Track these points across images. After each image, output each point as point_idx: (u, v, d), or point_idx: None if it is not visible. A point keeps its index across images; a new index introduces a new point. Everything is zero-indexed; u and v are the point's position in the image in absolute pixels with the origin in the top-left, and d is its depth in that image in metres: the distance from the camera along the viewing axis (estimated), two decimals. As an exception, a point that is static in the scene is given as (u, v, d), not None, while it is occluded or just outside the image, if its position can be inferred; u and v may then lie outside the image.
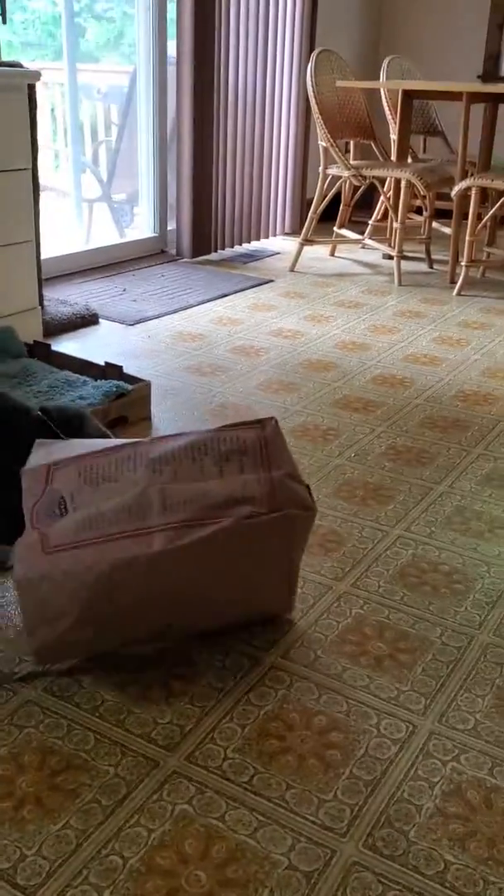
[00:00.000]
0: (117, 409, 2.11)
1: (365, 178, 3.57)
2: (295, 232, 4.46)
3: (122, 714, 1.17)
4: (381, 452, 1.99)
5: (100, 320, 2.99)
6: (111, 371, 2.27)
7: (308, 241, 3.77)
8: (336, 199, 3.95)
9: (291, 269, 3.79)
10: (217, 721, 1.17)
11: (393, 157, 3.91)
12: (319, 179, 3.70)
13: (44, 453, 1.32)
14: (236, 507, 1.20)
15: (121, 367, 2.26)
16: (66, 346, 2.70)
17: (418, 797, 1.06)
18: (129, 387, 2.15)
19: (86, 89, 4.17)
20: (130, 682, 1.23)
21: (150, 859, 0.96)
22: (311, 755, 1.11)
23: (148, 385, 2.21)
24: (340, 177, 3.86)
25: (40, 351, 2.39)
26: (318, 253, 4.09)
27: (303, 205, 4.49)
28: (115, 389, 2.12)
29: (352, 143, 3.99)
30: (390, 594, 1.46)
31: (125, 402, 2.13)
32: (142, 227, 4.01)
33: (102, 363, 2.28)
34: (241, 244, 4.17)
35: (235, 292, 3.39)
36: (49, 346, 2.39)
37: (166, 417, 2.18)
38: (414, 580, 1.50)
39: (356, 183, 3.62)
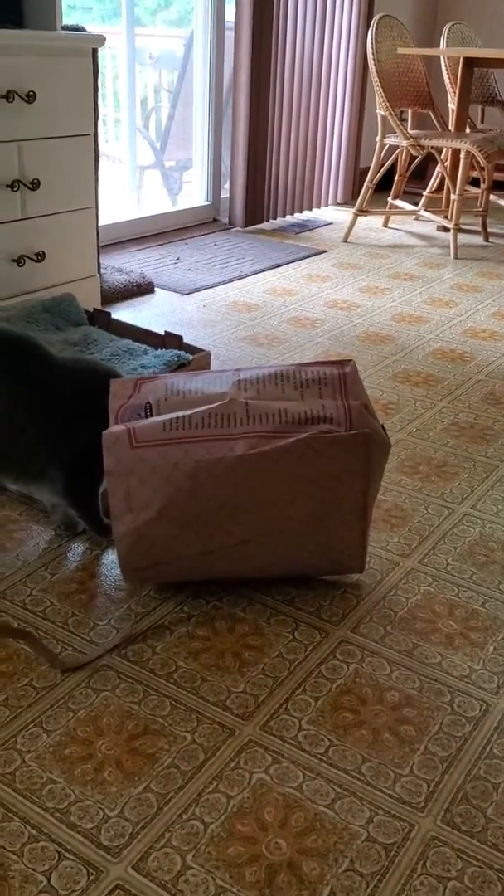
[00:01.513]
0: (178, 379, 2.11)
1: (423, 147, 3.51)
2: (347, 202, 4.40)
3: (196, 682, 1.19)
4: (444, 428, 1.97)
5: (155, 289, 2.99)
6: (171, 340, 2.27)
7: (363, 212, 3.72)
8: (390, 169, 3.89)
9: (345, 240, 3.75)
10: (290, 692, 1.18)
11: (451, 127, 3.84)
12: (376, 149, 3.64)
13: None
14: (314, 425, 1.25)
15: (180, 336, 2.25)
16: (122, 314, 2.71)
17: (495, 775, 1.06)
18: (190, 356, 2.15)
19: (138, 54, 4.13)
20: (202, 651, 1.25)
21: (230, 825, 0.98)
22: (386, 730, 1.12)
23: (208, 355, 2.20)
24: (397, 146, 3.80)
25: (101, 319, 2.39)
26: (371, 224, 4.04)
27: (356, 175, 4.43)
28: (176, 359, 2.12)
29: (409, 111, 3.92)
30: (459, 572, 1.45)
31: (185, 371, 2.13)
32: (194, 195, 3.99)
33: (162, 332, 2.28)
34: (292, 214, 4.13)
35: (289, 262, 3.37)
36: (109, 314, 2.39)
37: (225, 388, 2.17)
38: (482, 559, 1.49)
39: (414, 153, 3.55)
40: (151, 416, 1.29)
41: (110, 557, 1.45)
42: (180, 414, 1.27)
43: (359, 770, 1.06)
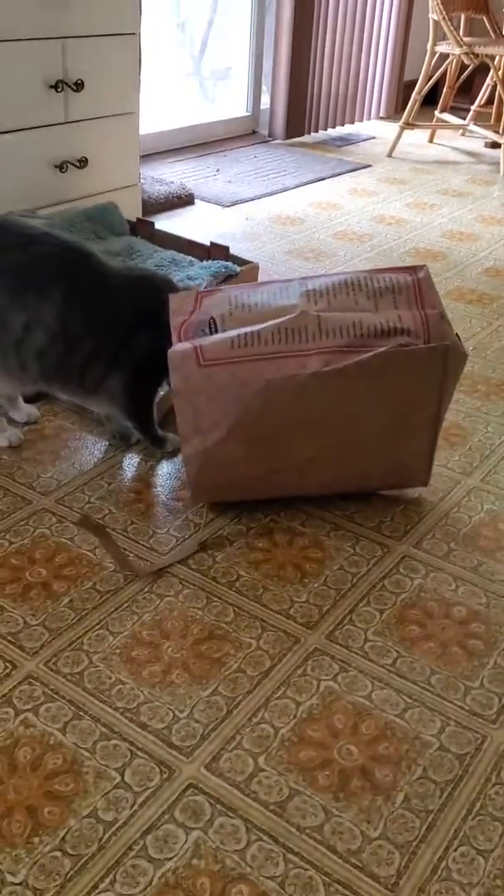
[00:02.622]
0: (225, 291, 2.06)
1: (477, 56, 3.34)
2: (390, 116, 4.24)
3: (259, 590, 1.18)
4: (501, 347, 1.92)
5: (195, 200, 2.90)
6: (217, 251, 2.20)
7: (409, 125, 3.58)
8: (436, 82, 3.72)
9: (389, 155, 3.61)
10: (354, 604, 1.16)
11: (506, 35, 3.65)
12: (426, 57, 3.48)
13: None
14: (392, 338, 1.19)
15: (227, 247, 2.19)
16: (163, 225, 2.63)
17: None
18: (238, 268, 2.09)
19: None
20: (263, 561, 1.23)
21: (300, 730, 0.97)
22: (454, 643, 1.11)
23: (256, 267, 2.14)
24: (447, 56, 3.62)
25: (144, 229, 2.32)
26: (415, 139, 3.89)
27: (400, 87, 4.25)
28: (223, 270, 2.06)
29: (461, 17, 3.73)
30: (522, 490, 1.42)
31: (233, 283, 2.07)
32: (234, 106, 3.84)
33: (207, 243, 2.21)
34: (334, 127, 3.98)
35: (332, 176, 3.26)
36: (153, 224, 2.32)
37: (272, 302, 2.12)
38: (545, 478, 1.46)
39: (467, 62, 3.39)
40: (216, 332, 1.23)
41: (165, 469, 1.43)
42: (248, 329, 1.21)
43: (428, 682, 1.05)
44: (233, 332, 1.22)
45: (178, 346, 1.21)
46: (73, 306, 1.29)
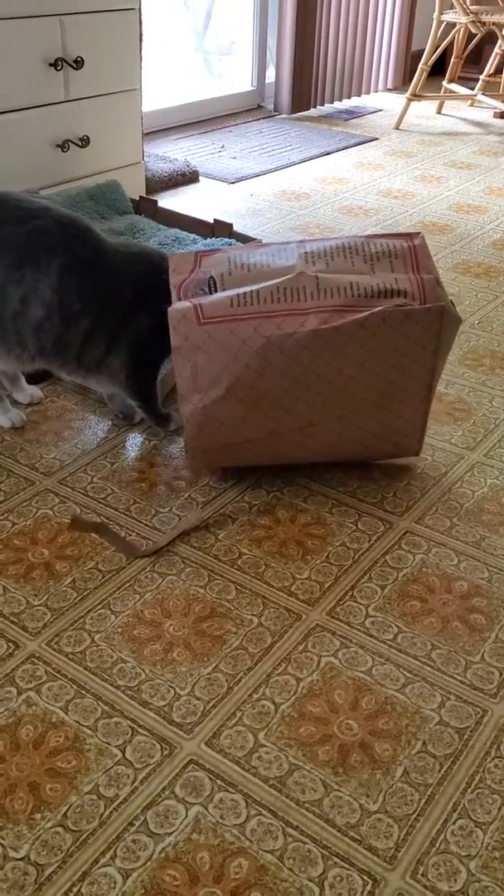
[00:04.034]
0: (229, 269, 2.04)
1: (484, 24, 3.29)
2: (397, 87, 4.19)
3: (260, 567, 1.18)
4: (507, 321, 1.90)
5: (200, 178, 2.88)
6: (220, 229, 2.19)
7: (416, 97, 3.53)
8: (443, 52, 3.67)
9: (396, 127, 3.57)
10: (355, 580, 1.16)
11: (513, 2, 3.59)
12: (433, 26, 3.42)
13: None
14: (389, 299, 1.20)
15: (230, 224, 2.17)
16: (167, 203, 2.62)
17: None
18: (242, 245, 2.07)
19: None
20: (265, 539, 1.23)
21: (300, 706, 0.98)
22: (455, 618, 1.10)
23: (260, 243, 2.12)
24: (454, 24, 3.57)
25: (147, 207, 2.31)
26: (423, 110, 3.84)
27: (407, 58, 4.19)
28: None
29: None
30: (526, 464, 1.41)
31: (236, 261, 2.06)
32: (238, 80, 3.80)
33: (211, 221, 2.20)
34: (340, 100, 3.93)
35: (339, 150, 3.22)
36: (156, 202, 2.31)
37: (277, 279, 2.10)
38: (549, 451, 1.45)
39: (474, 30, 3.34)
40: (216, 291, 1.24)
41: (169, 448, 1.43)
42: (248, 289, 1.21)
43: (428, 656, 1.05)
44: (232, 292, 1.22)
45: (178, 305, 1.22)
46: (70, 281, 1.28)
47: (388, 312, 1.18)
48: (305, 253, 1.27)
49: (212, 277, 1.25)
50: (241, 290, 1.21)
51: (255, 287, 1.21)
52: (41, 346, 1.31)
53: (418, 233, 1.31)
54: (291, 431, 1.25)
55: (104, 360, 1.35)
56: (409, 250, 1.27)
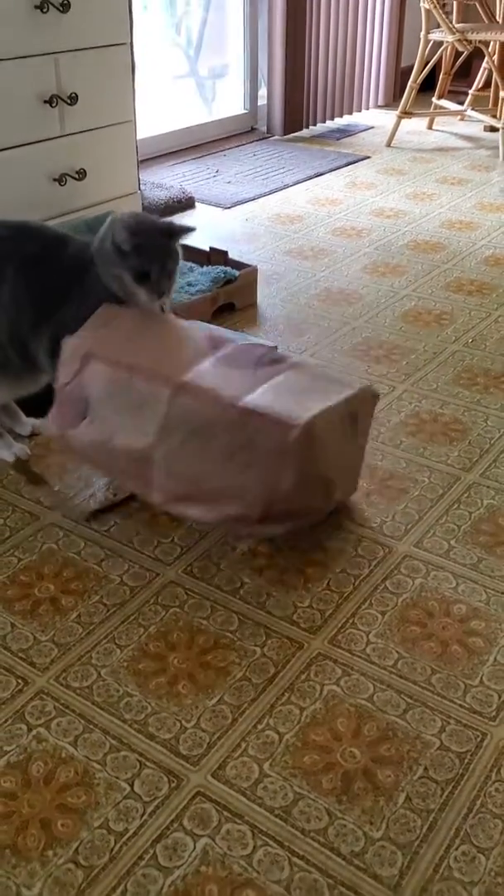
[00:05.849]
0: (225, 296, 2.08)
1: (470, 42, 3.33)
2: (388, 105, 4.23)
3: (262, 597, 1.20)
4: (501, 338, 1.92)
5: (196, 203, 2.92)
6: (216, 257, 2.22)
7: (406, 114, 3.57)
8: (433, 68, 3.71)
9: (388, 145, 3.61)
10: (356, 607, 1.18)
11: (499, 18, 3.63)
12: (420, 45, 3.46)
13: (99, 323, 1.31)
14: (230, 502, 1.20)
15: (226, 252, 2.21)
16: (165, 230, 2.65)
17: None
18: (237, 272, 2.11)
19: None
20: (266, 567, 1.25)
21: (304, 735, 1.00)
22: (454, 642, 1.12)
23: (255, 270, 2.16)
24: (441, 42, 3.61)
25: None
26: (414, 126, 3.88)
27: (397, 75, 4.24)
28: (223, 275, 2.08)
29: (455, 3, 3.71)
30: (521, 484, 1.43)
31: (232, 288, 2.10)
32: (231, 103, 3.85)
33: (207, 248, 2.23)
34: (332, 119, 3.98)
35: (331, 170, 3.26)
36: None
37: (272, 304, 2.14)
38: (545, 470, 1.47)
39: (460, 48, 3.38)
40: (85, 416, 1.29)
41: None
42: (107, 437, 1.26)
43: (429, 681, 1.07)
44: (94, 432, 1.27)
45: (53, 418, 1.31)
46: (20, 285, 1.32)
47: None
48: (171, 416, 1.21)
49: (87, 401, 1.28)
50: (100, 438, 1.26)
51: (113, 442, 1.25)
52: (22, 358, 1.36)
53: (298, 425, 1.16)
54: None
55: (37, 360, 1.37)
56: (278, 448, 1.17)
